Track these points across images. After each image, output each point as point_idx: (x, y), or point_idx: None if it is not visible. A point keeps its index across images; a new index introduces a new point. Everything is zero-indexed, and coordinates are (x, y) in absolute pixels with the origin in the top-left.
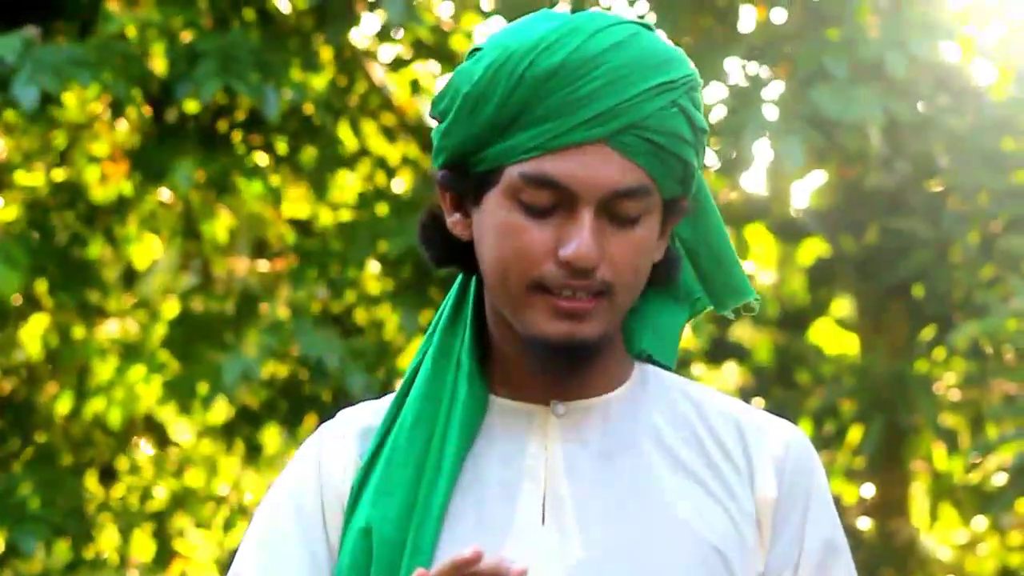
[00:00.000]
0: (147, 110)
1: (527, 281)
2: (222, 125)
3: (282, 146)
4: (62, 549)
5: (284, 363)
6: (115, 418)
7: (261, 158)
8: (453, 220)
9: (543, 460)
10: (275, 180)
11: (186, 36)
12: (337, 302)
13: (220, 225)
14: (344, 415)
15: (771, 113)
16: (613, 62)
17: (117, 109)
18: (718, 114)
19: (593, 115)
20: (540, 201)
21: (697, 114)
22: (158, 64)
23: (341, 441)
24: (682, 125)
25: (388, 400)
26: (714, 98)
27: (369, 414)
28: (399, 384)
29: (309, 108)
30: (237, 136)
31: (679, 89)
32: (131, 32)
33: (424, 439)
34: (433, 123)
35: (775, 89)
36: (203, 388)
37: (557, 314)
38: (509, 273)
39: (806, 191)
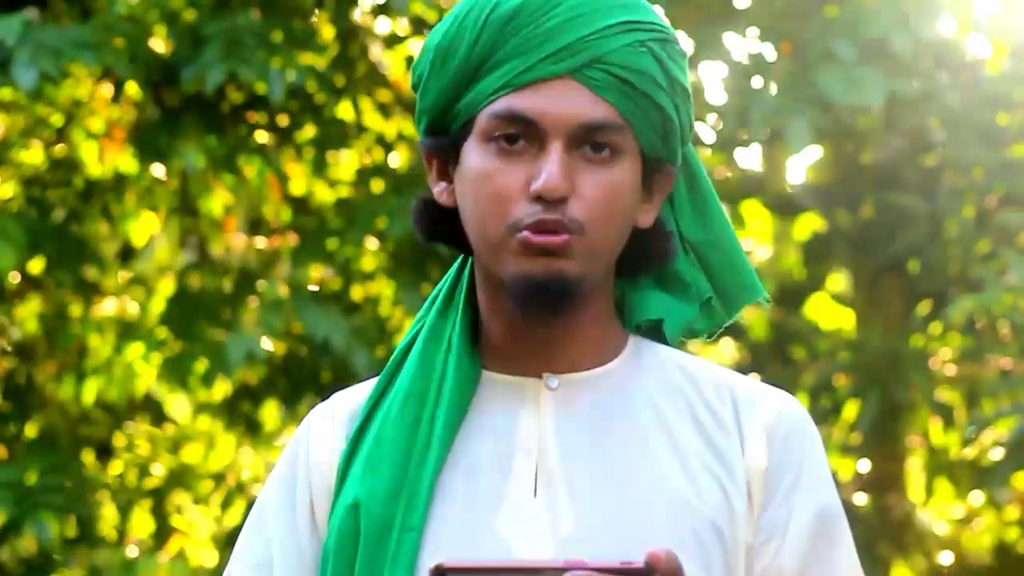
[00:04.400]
0: (148, 90)
1: (504, 225)
2: (224, 106)
3: (284, 119)
4: (67, 529)
5: (283, 341)
6: (113, 396)
7: (263, 136)
8: (439, 189)
9: (536, 433)
10: (280, 158)
11: (187, 15)
12: (335, 279)
13: (217, 202)
14: (336, 397)
15: (774, 92)
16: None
17: (118, 89)
18: (719, 92)
19: (556, 49)
20: (511, 139)
21: (673, 66)
22: (159, 43)
23: (330, 424)
24: (652, 66)
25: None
26: (716, 76)
27: (360, 395)
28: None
29: (312, 87)
30: (239, 115)
31: (647, 32)
32: (133, 10)
33: (414, 415)
34: None
35: (778, 68)
36: (202, 365)
37: (533, 250)
38: (487, 219)
39: (801, 166)
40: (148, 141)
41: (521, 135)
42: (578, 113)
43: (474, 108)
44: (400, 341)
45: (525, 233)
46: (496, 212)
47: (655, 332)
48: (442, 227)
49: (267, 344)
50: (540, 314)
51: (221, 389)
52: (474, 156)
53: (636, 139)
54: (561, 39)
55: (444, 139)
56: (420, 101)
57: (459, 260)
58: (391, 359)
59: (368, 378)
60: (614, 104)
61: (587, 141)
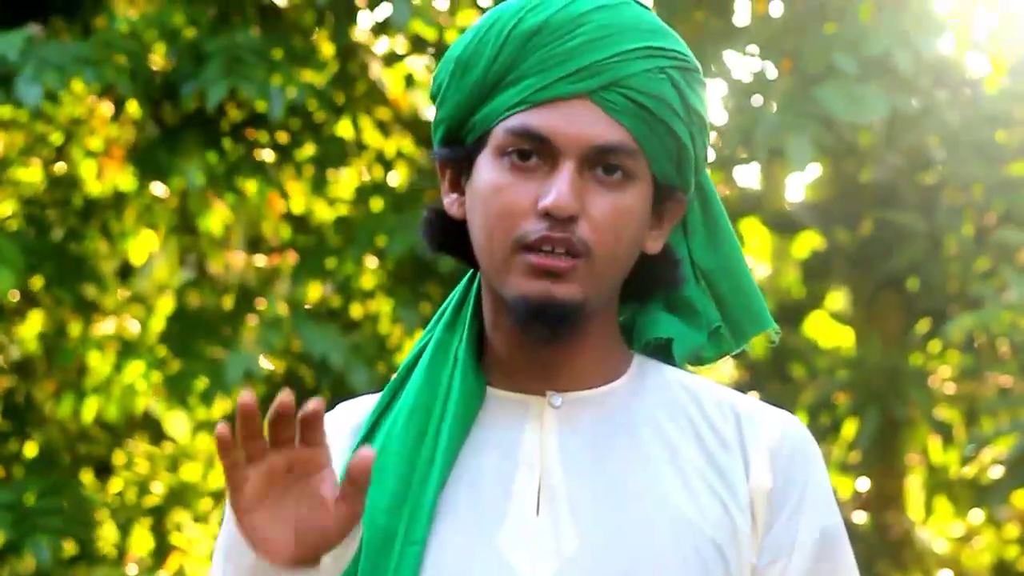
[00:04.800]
0: (148, 108)
1: (510, 240)
2: (224, 124)
3: (283, 136)
4: (67, 549)
5: (283, 359)
6: (112, 414)
7: (266, 154)
8: (450, 200)
9: (538, 450)
10: (279, 176)
11: (188, 33)
12: (335, 297)
13: (216, 219)
14: (340, 408)
15: (775, 110)
16: (598, 21)
17: (118, 106)
18: (720, 110)
19: (575, 69)
20: (524, 155)
21: (692, 95)
22: (159, 60)
23: (336, 437)
24: (670, 93)
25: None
26: (715, 93)
27: (364, 406)
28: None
29: (312, 104)
30: (239, 133)
31: (668, 59)
32: (134, 27)
33: (419, 429)
34: (432, 114)
35: (779, 85)
36: (202, 384)
37: (535, 272)
38: (494, 233)
39: (800, 184)
40: (147, 159)
41: (534, 152)
42: (592, 134)
43: (490, 122)
44: (407, 355)
45: (530, 256)
46: (503, 226)
47: (662, 353)
48: (451, 239)
49: (266, 363)
50: (540, 335)
51: (220, 407)
52: (486, 170)
53: (649, 165)
54: (581, 59)
55: (459, 150)
56: (438, 111)
57: (468, 275)
58: (397, 372)
59: (371, 392)
60: (629, 128)
61: (599, 163)
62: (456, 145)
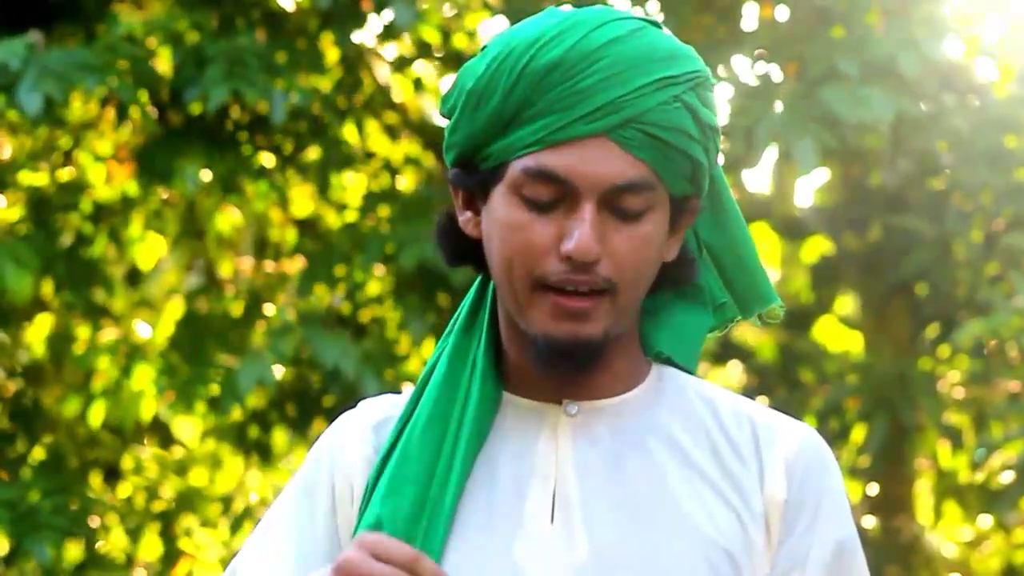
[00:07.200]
0: (152, 111)
1: (530, 278)
2: (228, 125)
3: (288, 146)
4: (72, 552)
5: (291, 366)
6: (121, 419)
7: (266, 158)
8: (465, 218)
9: (553, 459)
10: (280, 181)
11: (192, 37)
12: (345, 304)
13: (224, 222)
14: (364, 405)
15: (780, 112)
16: (613, 56)
17: (122, 111)
18: (725, 113)
19: (592, 109)
20: (542, 195)
21: (705, 111)
22: (163, 65)
23: (358, 432)
24: (686, 121)
25: (407, 395)
26: (721, 97)
27: (387, 407)
28: (410, 385)
29: (316, 108)
30: (242, 137)
31: (682, 84)
32: (137, 31)
33: (437, 438)
34: (442, 121)
35: (784, 88)
36: (214, 389)
37: (560, 314)
38: (513, 270)
39: (809, 189)
40: (150, 161)
41: (552, 192)
42: (611, 174)
43: (506, 156)
44: (420, 363)
45: (554, 296)
46: (523, 264)
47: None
48: (466, 250)
49: (278, 370)
50: (563, 371)
51: (231, 414)
52: (503, 205)
53: (666, 188)
54: (597, 99)
55: (473, 176)
56: (449, 135)
57: (480, 278)
58: (418, 382)
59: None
60: (647, 161)
61: (618, 200)
62: (471, 169)
